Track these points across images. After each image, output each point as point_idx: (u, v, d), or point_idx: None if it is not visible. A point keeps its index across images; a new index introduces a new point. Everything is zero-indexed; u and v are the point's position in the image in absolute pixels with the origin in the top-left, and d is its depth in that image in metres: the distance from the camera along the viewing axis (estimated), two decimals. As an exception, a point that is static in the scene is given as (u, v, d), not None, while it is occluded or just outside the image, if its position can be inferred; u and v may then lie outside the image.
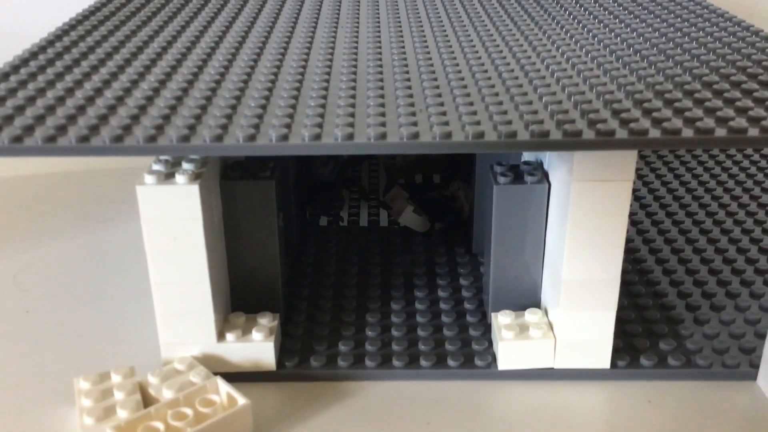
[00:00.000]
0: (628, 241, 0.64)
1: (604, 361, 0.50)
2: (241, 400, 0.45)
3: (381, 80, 0.49)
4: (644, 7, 0.66)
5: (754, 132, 0.40)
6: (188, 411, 0.44)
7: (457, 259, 0.63)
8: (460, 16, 0.65)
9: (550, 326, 0.50)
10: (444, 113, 0.43)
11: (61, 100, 0.45)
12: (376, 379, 0.50)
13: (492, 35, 0.59)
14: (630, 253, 0.63)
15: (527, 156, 0.55)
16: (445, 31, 0.61)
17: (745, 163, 0.81)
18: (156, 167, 0.47)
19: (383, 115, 0.43)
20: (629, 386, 0.50)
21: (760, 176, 0.78)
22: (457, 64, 0.52)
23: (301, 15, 0.66)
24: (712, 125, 0.40)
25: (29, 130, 0.41)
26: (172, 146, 0.40)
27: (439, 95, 0.46)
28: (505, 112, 0.43)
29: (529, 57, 0.53)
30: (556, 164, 0.48)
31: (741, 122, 0.41)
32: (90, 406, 0.45)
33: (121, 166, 0.83)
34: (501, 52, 0.54)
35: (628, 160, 0.44)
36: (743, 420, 0.47)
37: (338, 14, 0.67)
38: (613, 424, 0.47)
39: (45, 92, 0.46)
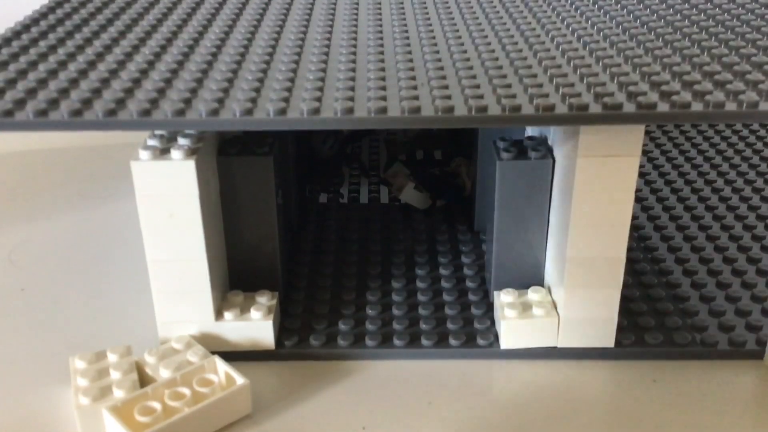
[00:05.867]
0: (633, 218, 0.63)
1: (608, 339, 0.49)
2: (240, 380, 0.45)
3: (381, 53, 0.48)
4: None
5: (765, 106, 0.39)
6: (186, 391, 0.44)
7: (459, 237, 0.62)
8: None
9: (554, 305, 0.50)
10: (446, 87, 0.42)
11: (53, 73, 0.44)
12: (377, 358, 0.50)
13: (495, 6, 0.58)
14: (635, 230, 0.63)
15: (531, 131, 0.54)
16: (447, 2, 0.60)
17: (752, 139, 0.80)
18: (151, 142, 0.46)
19: (384, 88, 0.42)
20: (634, 365, 0.49)
21: (767, 152, 0.77)
22: (460, 36, 0.51)
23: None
24: (722, 99, 0.39)
25: (20, 103, 0.40)
26: (168, 121, 0.39)
27: (441, 68, 0.45)
28: (509, 86, 0.42)
29: (534, 29, 0.52)
30: (560, 139, 0.47)
31: (752, 96, 0.40)
32: (86, 385, 0.44)
33: (116, 142, 0.82)
34: (504, 23, 0.53)
35: (635, 135, 0.43)
36: (750, 398, 0.47)
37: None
38: (617, 403, 0.46)
39: (37, 65, 0.46)
